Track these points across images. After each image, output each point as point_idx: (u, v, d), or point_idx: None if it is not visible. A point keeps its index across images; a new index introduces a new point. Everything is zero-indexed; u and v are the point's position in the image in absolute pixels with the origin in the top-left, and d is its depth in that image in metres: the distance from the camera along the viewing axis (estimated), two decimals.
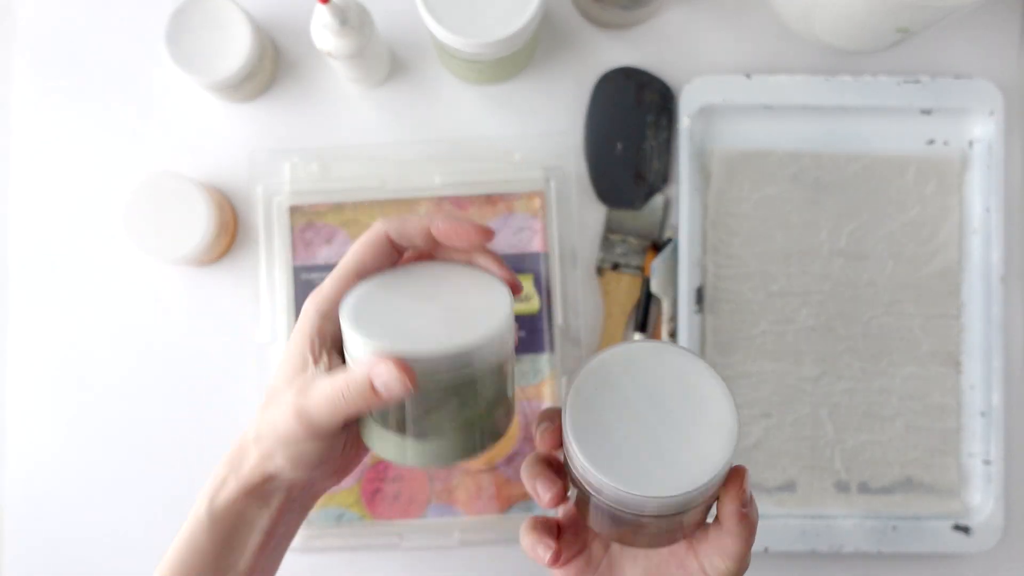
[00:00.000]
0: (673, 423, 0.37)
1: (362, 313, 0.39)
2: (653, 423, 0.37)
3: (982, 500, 0.64)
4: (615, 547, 0.45)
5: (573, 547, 0.44)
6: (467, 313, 0.40)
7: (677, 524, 0.39)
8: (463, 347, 0.37)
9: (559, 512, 0.46)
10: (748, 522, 0.40)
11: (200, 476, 0.66)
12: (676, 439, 0.36)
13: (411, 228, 0.42)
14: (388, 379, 0.37)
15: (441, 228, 0.42)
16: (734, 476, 0.38)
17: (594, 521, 0.41)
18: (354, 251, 0.42)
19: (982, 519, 0.64)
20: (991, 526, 0.64)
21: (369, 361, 0.37)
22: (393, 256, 0.43)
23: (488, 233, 0.42)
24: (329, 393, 0.39)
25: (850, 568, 0.66)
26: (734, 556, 0.40)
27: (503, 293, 0.41)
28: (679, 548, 0.42)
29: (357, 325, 0.38)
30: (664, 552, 0.43)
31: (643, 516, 0.37)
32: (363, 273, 0.42)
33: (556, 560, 0.42)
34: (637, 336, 0.66)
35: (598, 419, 0.37)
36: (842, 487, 0.65)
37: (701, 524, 0.41)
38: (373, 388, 0.38)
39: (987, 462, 0.64)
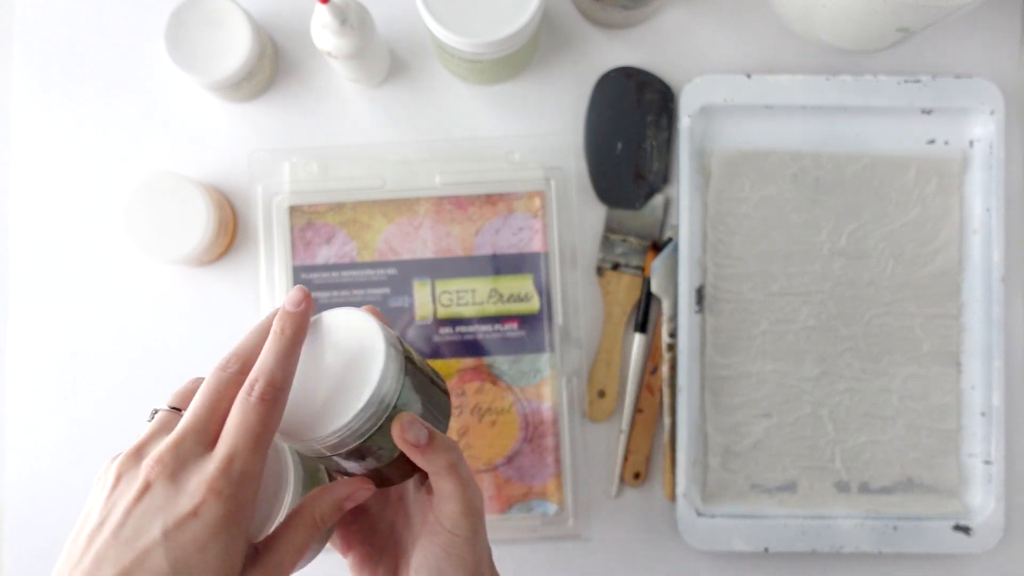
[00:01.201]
0: (343, 381, 0.42)
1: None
2: (327, 382, 0.43)
3: (983, 500, 0.64)
4: (400, 520, 0.49)
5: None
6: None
7: (376, 466, 0.45)
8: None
9: None
10: (435, 459, 0.44)
11: None
12: (339, 392, 0.42)
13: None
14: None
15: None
16: (395, 423, 0.43)
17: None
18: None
19: (983, 519, 0.64)
20: (992, 526, 0.64)
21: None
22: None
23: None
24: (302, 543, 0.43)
25: (850, 568, 0.66)
26: (448, 495, 0.44)
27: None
28: (427, 506, 0.47)
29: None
30: (425, 514, 0.47)
31: (331, 456, 0.44)
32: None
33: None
34: (636, 337, 0.66)
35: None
36: (842, 487, 0.65)
37: (409, 466, 0.45)
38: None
39: (987, 462, 0.64)
